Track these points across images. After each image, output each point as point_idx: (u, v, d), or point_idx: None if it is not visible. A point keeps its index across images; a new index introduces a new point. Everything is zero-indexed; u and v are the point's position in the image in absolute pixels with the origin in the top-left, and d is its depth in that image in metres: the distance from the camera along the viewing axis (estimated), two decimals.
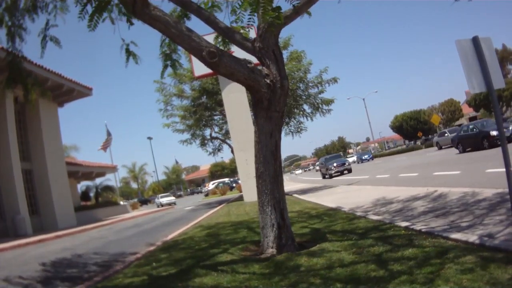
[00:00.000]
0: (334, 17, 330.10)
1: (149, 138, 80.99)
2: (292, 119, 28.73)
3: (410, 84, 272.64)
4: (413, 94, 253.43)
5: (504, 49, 68.59)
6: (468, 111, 78.34)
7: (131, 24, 7.76)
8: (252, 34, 8.70)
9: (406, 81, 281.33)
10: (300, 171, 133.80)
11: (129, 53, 8.14)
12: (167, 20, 6.76)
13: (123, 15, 7.85)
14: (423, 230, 6.85)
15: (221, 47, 8.35)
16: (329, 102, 27.38)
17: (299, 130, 29.34)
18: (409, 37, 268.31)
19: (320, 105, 27.39)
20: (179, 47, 8.58)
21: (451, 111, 79.01)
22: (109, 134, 51.23)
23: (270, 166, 7.26)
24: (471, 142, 27.29)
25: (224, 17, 11.27)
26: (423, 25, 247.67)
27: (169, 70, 8.99)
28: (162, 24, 6.72)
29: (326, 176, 39.70)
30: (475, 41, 6.57)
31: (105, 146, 50.84)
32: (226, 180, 74.31)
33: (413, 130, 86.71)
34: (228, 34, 7.62)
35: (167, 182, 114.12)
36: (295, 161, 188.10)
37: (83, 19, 7.08)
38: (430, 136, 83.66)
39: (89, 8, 7.07)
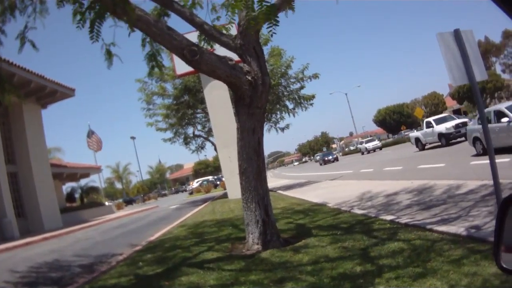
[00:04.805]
0: (315, 11, 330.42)
1: (132, 138, 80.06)
2: (274, 115, 28.74)
3: (393, 78, 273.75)
4: (396, 88, 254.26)
5: (487, 41, 69.27)
6: (451, 103, 78.88)
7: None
8: (233, 31, 8.70)
9: (389, 75, 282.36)
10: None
11: (109, 54, 8.07)
12: (148, 19, 6.73)
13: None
14: (409, 223, 6.90)
15: (205, 45, 8.33)
16: (310, 98, 27.45)
17: (279, 127, 29.33)
18: (391, 30, 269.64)
19: (302, 101, 27.44)
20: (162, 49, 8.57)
21: (434, 104, 79.73)
22: (92, 133, 50.69)
23: (253, 163, 7.26)
24: None
25: (205, 16, 11.21)
26: (405, 18, 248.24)
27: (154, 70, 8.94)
28: (143, 23, 6.69)
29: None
30: (456, 33, 6.61)
31: (97, 145, 50.45)
32: (210, 178, 73.86)
33: (397, 123, 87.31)
34: (208, 32, 7.59)
35: (151, 181, 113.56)
36: (279, 157, 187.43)
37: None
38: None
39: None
